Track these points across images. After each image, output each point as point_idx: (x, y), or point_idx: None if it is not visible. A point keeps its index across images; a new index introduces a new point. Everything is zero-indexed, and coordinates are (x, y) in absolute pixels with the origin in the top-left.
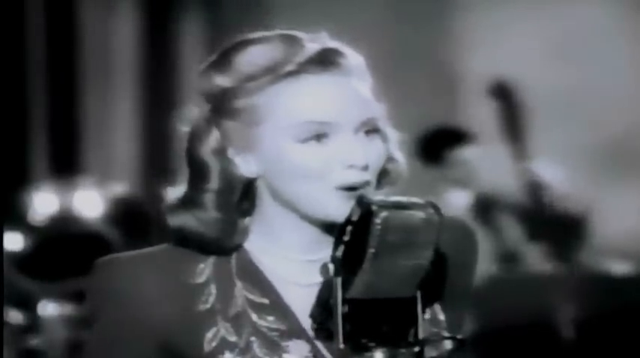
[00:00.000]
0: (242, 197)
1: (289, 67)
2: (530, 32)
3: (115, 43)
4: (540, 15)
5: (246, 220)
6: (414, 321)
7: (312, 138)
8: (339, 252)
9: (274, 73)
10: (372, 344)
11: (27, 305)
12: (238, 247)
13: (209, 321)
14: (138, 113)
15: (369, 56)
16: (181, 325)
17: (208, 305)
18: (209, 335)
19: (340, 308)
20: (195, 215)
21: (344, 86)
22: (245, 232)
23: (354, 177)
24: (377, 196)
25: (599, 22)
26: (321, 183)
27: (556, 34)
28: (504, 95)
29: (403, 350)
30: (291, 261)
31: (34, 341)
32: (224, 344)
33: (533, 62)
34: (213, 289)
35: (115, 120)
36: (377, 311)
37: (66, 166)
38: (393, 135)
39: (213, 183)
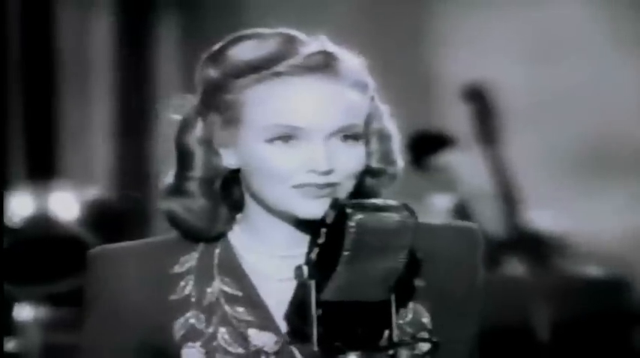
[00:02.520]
0: (229, 189)
1: (278, 68)
2: (506, 35)
3: (92, 46)
4: (516, 18)
5: (238, 215)
6: (388, 324)
7: (279, 139)
8: (314, 255)
9: (262, 71)
10: (346, 347)
11: (2, 308)
12: (221, 236)
13: (182, 310)
14: (115, 116)
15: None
16: (157, 313)
17: (183, 295)
18: (179, 323)
19: (314, 311)
20: (180, 201)
21: (326, 92)
22: (228, 222)
23: (314, 179)
24: (351, 199)
25: (574, 25)
26: (282, 182)
27: (531, 37)
28: (479, 98)
29: (377, 353)
30: (270, 257)
31: (10, 345)
32: (192, 333)
33: (507, 65)
34: (191, 280)
35: (91, 123)
36: (351, 313)
37: (43, 169)
38: (396, 136)
39: (197, 171)
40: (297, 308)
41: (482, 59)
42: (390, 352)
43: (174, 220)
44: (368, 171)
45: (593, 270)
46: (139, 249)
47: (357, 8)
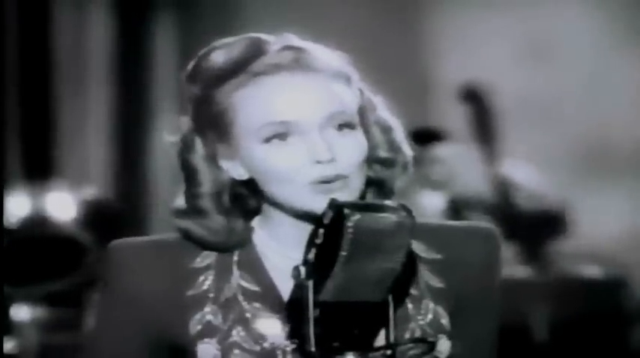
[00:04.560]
0: (242, 200)
1: (252, 68)
2: (502, 36)
3: (89, 46)
4: (512, 19)
5: (255, 219)
6: (386, 325)
7: (275, 137)
8: (311, 255)
9: (236, 76)
10: (343, 347)
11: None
12: (243, 245)
13: (199, 306)
14: (111, 116)
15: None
16: (174, 308)
17: (201, 291)
18: (196, 318)
19: (312, 311)
20: (197, 221)
21: (306, 83)
22: (247, 232)
23: (324, 171)
24: (348, 199)
25: (570, 26)
26: (293, 180)
27: (527, 38)
28: (476, 99)
29: (375, 354)
30: (290, 257)
31: (8, 345)
32: (208, 329)
33: (504, 66)
34: (210, 275)
35: (88, 124)
36: (349, 314)
37: (39, 169)
38: (396, 125)
39: (206, 187)
40: (295, 309)
41: (479, 59)
42: (388, 352)
43: (191, 239)
44: (378, 162)
45: (590, 270)
46: (160, 244)
47: (354, 8)
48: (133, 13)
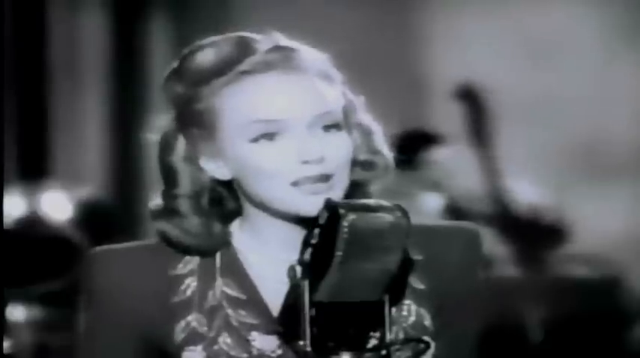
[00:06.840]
0: (220, 202)
1: (240, 67)
2: (499, 36)
3: (84, 46)
4: (508, 18)
5: (234, 222)
6: (381, 325)
7: (263, 137)
8: (307, 255)
9: (224, 74)
10: (339, 347)
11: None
12: (220, 249)
13: (183, 313)
14: (106, 116)
15: (335, 60)
16: (158, 315)
17: (185, 297)
18: (181, 325)
19: (307, 312)
20: (174, 222)
21: (295, 83)
22: (226, 235)
23: (309, 171)
24: (344, 199)
25: (565, 25)
26: (278, 180)
27: (523, 37)
28: (471, 98)
29: (370, 354)
30: (272, 259)
31: (2, 346)
32: (193, 336)
33: (500, 66)
34: (193, 282)
35: (83, 123)
36: (344, 314)
37: (34, 169)
38: (376, 128)
39: (184, 188)
40: (291, 309)
41: (475, 60)
42: (383, 352)
43: (168, 241)
44: (359, 164)
45: (586, 271)
46: (142, 250)
47: (349, 8)
48: (128, 12)
